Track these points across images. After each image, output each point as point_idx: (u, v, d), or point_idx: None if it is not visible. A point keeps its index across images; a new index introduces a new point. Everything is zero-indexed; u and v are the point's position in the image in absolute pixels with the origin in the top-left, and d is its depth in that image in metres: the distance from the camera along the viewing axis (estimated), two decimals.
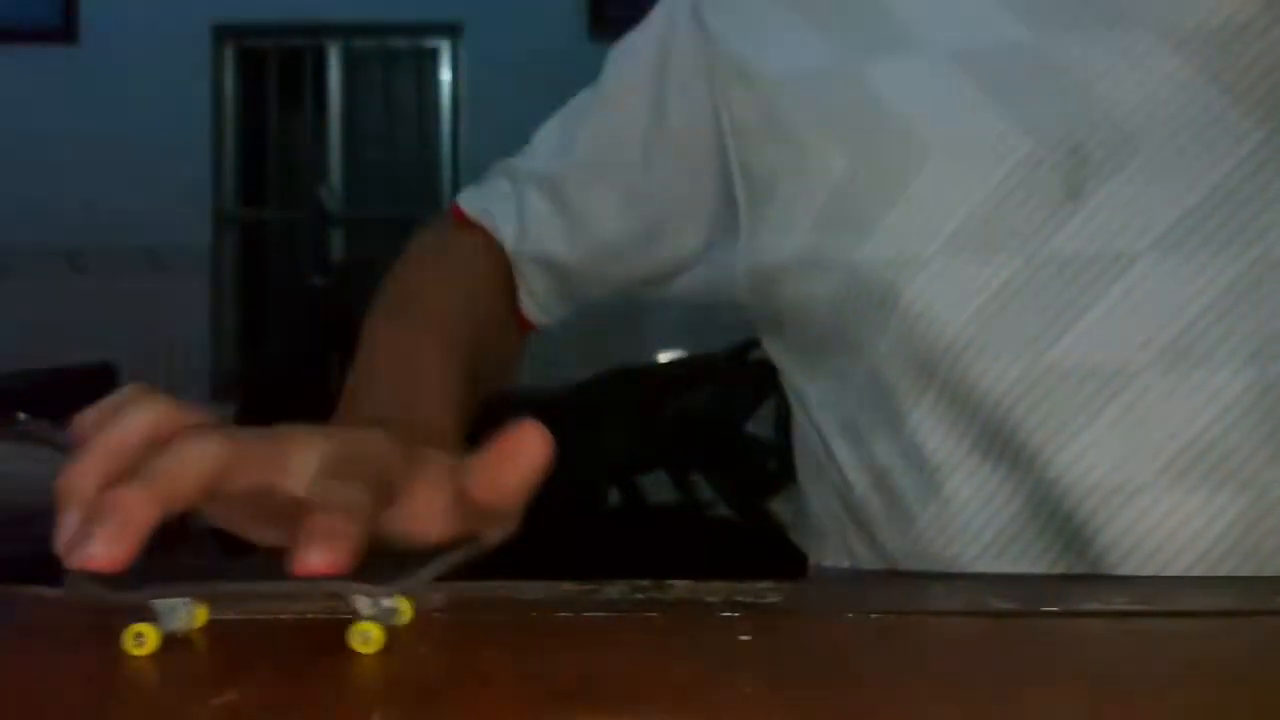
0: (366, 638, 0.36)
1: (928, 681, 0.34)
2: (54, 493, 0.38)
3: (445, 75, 5.17)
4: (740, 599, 0.42)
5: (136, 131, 4.85)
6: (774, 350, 0.72)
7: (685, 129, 0.69)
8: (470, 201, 0.78)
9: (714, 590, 0.43)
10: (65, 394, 3.58)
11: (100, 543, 0.35)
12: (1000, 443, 0.57)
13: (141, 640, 0.35)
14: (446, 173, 5.14)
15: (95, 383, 3.65)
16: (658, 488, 3.28)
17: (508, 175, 0.78)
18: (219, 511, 0.43)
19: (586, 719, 0.30)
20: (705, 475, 3.15)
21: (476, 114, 5.05)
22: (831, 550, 0.69)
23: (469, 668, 0.35)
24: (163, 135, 4.89)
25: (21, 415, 3.44)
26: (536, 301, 0.77)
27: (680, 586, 0.44)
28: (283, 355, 4.24)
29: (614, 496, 3.41)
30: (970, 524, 0.59)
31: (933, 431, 0.59)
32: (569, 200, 0.74)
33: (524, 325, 0.78)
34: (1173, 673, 0.34)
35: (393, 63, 5.32)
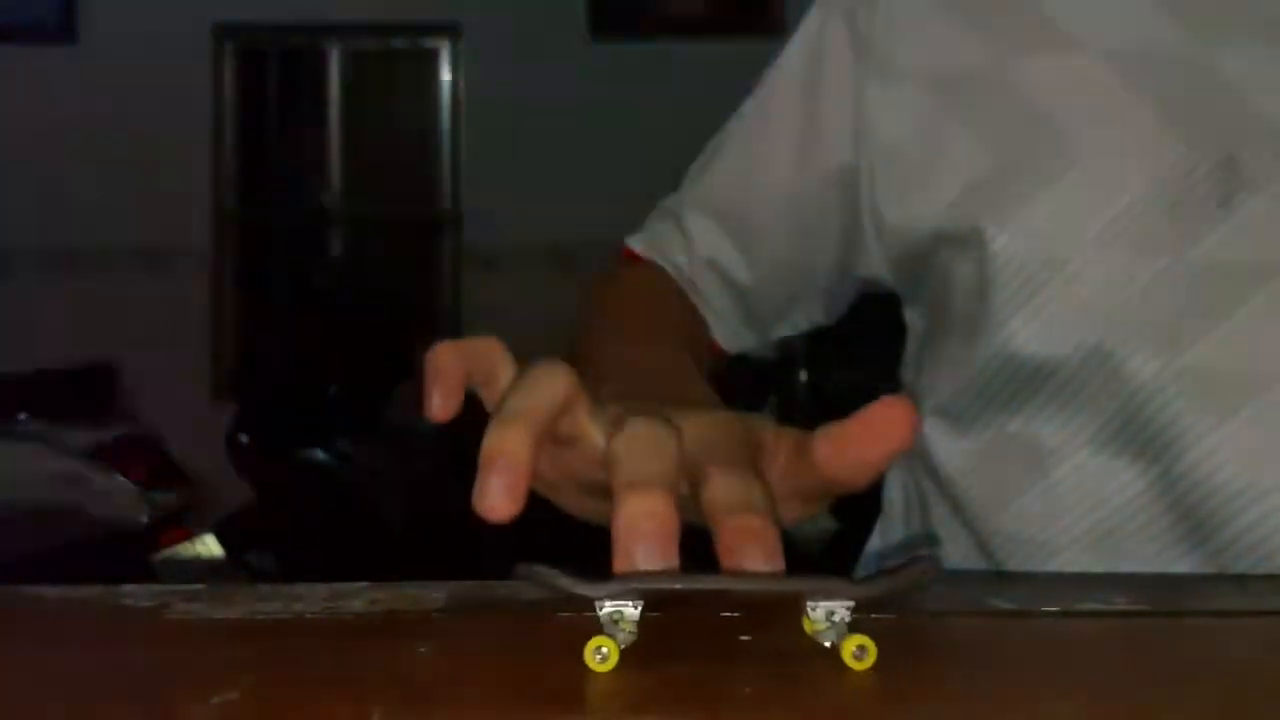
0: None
1: (927, 681, 0.34)
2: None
3: (445, 75, 5.17)
4: None
5: (136, 131, 4.85)
6: (909, 320, 0.74)
7: (835, 131, 0.70)
8: (638, 241, 0.79)
9: None
10: (65, 394, 3.59)
11: (496, 496, 0.36)
12: (1126, 435, 0.59)
13: (603, 655, 0.33)
14: (446, 173, 5.14)
15: (95, 383, 3.65)
16: None
17: (666, 211, 0.78)
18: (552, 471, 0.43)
19: (586, 719, 0.30)
20: None
21: (476, 114, 5.05)
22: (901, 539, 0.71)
23: (469, 668, 0.35)
24: (163, 135, 4.89)
25: (21, 415, 3.45)
26: (721, 320, 0.76)
27: None
28: (282, 356, 4.25)
29: None
30: (1072, 510, 0.60)
31: (1052, 419, 0.61)
32: (729, 212, 0.74)
33: (715, 352, 0.78)
34: (1173, 673, 0.34)
35: (393, 63, 5.32)
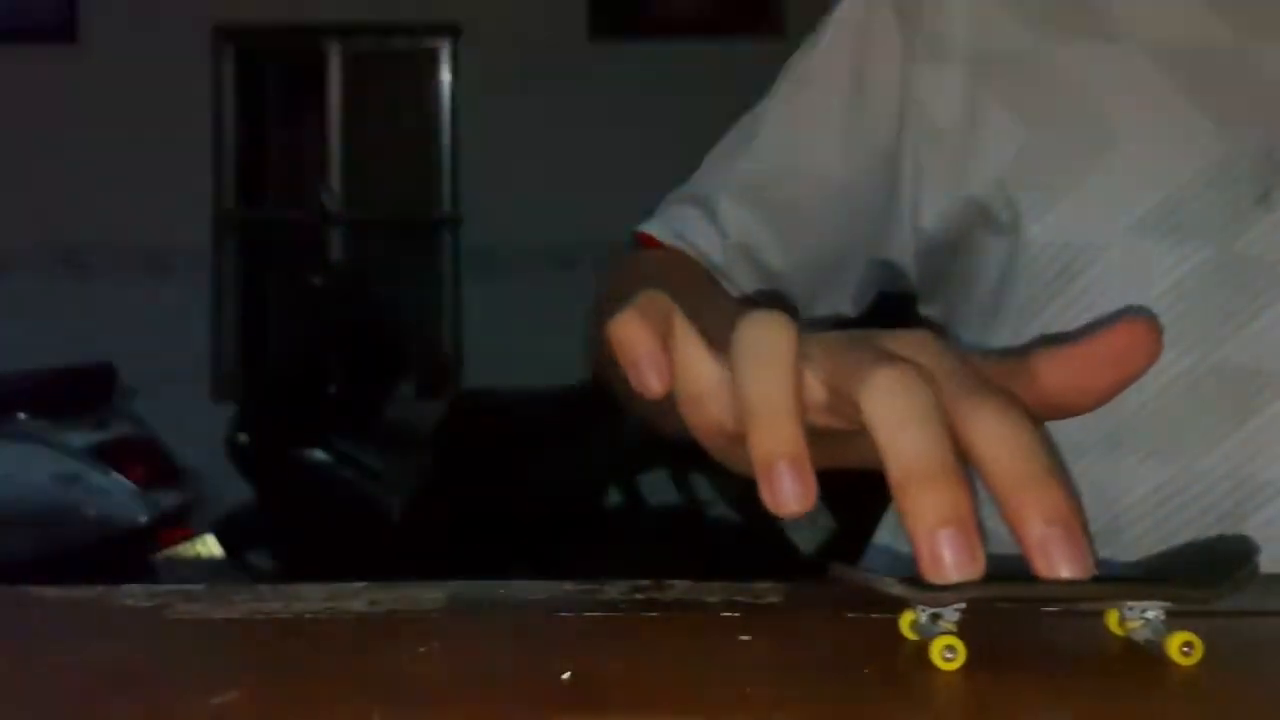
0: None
1: (928, 679, 0.34)
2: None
3: (445, 75, 5.17)
4: (740, 599, 0.42)
5: (136, 131, 4.85)
6: (925, 317, 0.73)
7: (880, 111, 0.69)
8: (657, 227, 0.75)
9: (714, 590, 0.43)
10: (65, 394, 3.58)
11: (797, 501, 0.34)
12: (1146, 433, 0.59)
13: (952, 654, 0.33)
14: (446, 173, 5.14)
15: (95, 383, 3.65)
16: (658, 488, 3.28)
17: (687, 200, 0.75)
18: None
19: (586, 719, 0.30)
20: (705, 475, 3.15)
21: (476, 114, 5.05)
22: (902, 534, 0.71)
23: (469, 668, 0.35)
24: (163, 135, 4.89)
25: (21, 415, 3.45)
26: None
27: (680, 586, 0.44)
28: (282, 356, 4.24)
29: (614, 496, 3.41)
30: (1083, 509, 0.60)
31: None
32: (769, 196, 0.72)
33: None
34: (1173, 672, 0.34)
35: (393, 63, 5.32)
